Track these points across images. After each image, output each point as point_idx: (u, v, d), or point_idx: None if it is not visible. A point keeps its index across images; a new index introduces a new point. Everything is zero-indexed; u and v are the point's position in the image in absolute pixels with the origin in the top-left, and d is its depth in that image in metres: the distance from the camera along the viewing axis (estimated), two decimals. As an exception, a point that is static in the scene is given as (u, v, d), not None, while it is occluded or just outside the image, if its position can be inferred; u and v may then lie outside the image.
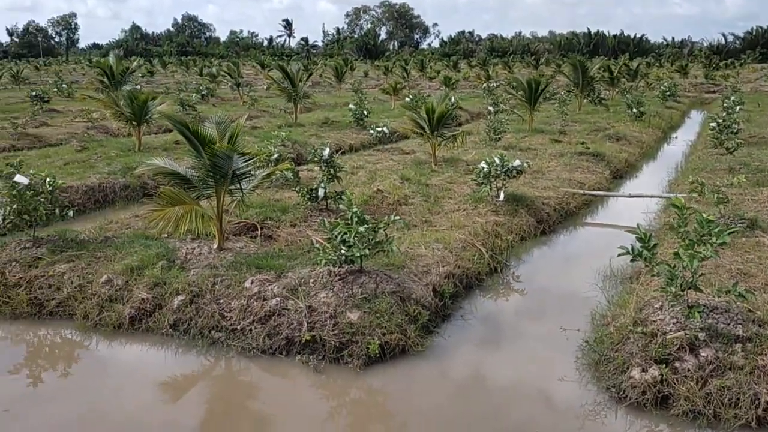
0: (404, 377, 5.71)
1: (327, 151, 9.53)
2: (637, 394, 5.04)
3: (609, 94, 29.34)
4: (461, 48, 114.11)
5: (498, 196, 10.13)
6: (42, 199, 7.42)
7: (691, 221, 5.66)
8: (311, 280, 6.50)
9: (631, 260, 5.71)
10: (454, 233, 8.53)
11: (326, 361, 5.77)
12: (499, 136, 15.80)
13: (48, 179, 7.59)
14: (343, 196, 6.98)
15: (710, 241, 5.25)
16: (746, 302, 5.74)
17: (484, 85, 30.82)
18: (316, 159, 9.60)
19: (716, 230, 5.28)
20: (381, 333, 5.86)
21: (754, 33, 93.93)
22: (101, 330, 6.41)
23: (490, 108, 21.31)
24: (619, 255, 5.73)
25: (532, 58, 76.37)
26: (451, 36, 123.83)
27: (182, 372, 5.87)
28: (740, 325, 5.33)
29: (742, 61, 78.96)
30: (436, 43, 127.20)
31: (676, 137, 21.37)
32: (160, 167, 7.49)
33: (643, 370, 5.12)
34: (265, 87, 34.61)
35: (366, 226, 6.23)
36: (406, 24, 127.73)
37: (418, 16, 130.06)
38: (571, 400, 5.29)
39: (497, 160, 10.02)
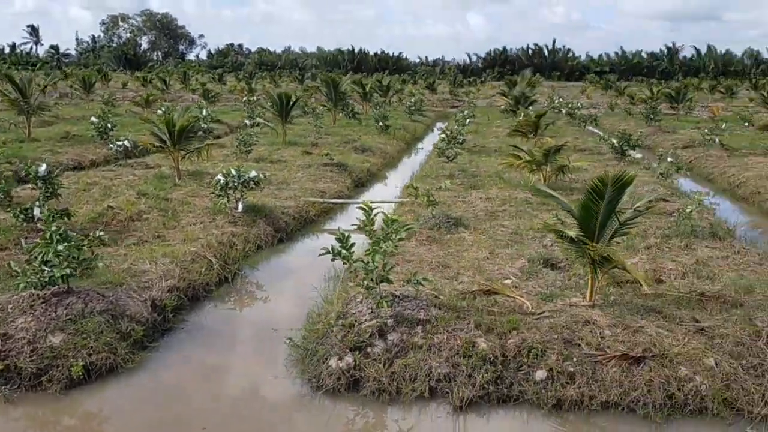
0: (111, 394, 5.58)
1: (43, 168, 8.91)
2: (333, 381, 5.50)
3: (363, 108, 31.15)
4: (229, 60, 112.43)
5: (237, 207, 10.29)
6: None
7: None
8: (10, 306, 6.04)
9: (332, 259, 6.23)
10: (186, 246, 8.50)
11: (22, 390, 5.41)
12: (250, 148, 15.98)
13: None
14: (64, 216, 6.60)
15: (392, 237, 5.94)
16: (433, 289, 6.62)
17: (245, 98, 30.93)
18: (30, 176, 8.90)
19: (398, 228, 5.99)
20: (87, 354, 5.66)
21: (492, 54, 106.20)
22: None
23: (247, 121, 21.51)
24: (320, 255, 6.21)
25: (299, 73, 78.11)
26: (218, 48, 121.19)
27: None
28: (423, 310, 6.10)
29: (483, 78, 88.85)
30: (203, 55, 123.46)
31: (421, 148, 23.42)
32: None
33: (339, 359, 5.62)
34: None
35: (67, 243, 5.95)
36: (170, 34, 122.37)
37: (183, 27, 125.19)
38: (279, 395, 5.62)
39: (234, 172, 10.19)
